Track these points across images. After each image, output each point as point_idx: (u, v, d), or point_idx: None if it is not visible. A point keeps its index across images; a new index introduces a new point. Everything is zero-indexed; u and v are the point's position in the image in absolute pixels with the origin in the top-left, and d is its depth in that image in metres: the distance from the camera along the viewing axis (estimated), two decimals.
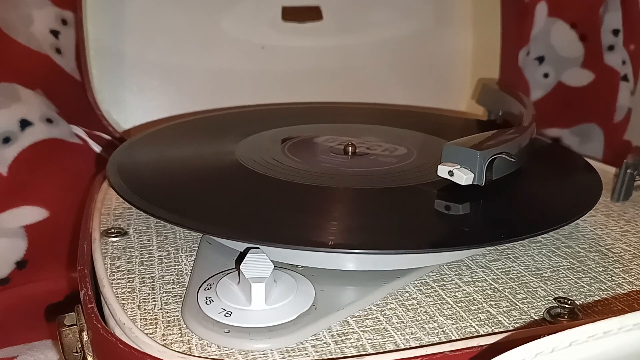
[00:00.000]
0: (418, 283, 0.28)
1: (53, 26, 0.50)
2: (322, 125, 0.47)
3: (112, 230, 0.33)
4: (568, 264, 0.30)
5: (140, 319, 0.25)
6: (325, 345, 0.24)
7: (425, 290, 0.28)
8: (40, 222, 0.46)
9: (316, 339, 0.24)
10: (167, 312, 0.26)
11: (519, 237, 0.29)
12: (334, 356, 0.23)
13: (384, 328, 0.25)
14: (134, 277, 0.29)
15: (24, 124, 0.45)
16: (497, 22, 0.57)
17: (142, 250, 0.31)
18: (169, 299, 0.27)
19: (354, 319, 0.25)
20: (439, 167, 0.32)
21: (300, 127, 0.46)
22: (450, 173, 0.31)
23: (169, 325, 0.25)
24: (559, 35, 0.63)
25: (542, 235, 0.33)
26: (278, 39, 0.55)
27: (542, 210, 0.32)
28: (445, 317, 0.26)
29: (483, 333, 0.24)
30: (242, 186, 0.34)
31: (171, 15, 0.52)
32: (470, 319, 0.25)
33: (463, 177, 0.31)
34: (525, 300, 0.27)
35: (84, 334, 0.26)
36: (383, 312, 0.26)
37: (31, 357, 0.40)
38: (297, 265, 0.29)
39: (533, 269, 0.30)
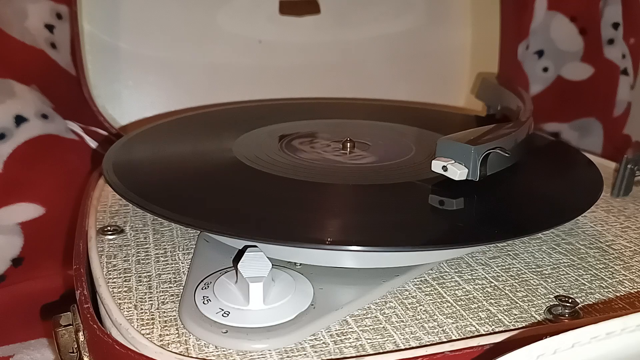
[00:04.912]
0: (417, 281, 0.28)
1: (48, 20, 0.49)
2: (320, 121, 0.47)
3: (108, 228, 0.33)
4: (568, 261, 0.30)
5: (137, 319, 0.25)
6: (324, 345, 0.23)
7: (425, 289, 0.27)
8: (36, 219, 0.45)
9: (315, 338, 0.24)
10: (164, 312, 0.25)
11: (519, 235, 0.29)
12: (333, 356, 0.23)
13: (383, 327, 0.25)
14: (130, 276, 0.28)
15: (19, 120, 0.45)
16: (496, 15, 0.57)
17: (138, 249, 0.31)
18: (166, 298, 0.27)
19: (353, 318, 0.25)
20: (433, 162, 0.32)
21: (298, 123, 0.46)
22: (444, 168, 0.31)
23: (166, 326, 0.25)
24: (559, 29, 0.63)
25: (543, 232, 0.33)
26: (275, 33, 0.55)
27: (542, 208, 0.32)
28: (445, 316, 0.25)
29: (483, 332, 0.24)
30: (239, 183, 0.33)
31: (167, 9, 0.52)
32: (471, 318, 0.25)
33: (457, 172, 0.31)
34: (525, 299, 0.27)
35: (80, 334, 0.26)
36: (382, 311, 0.26)
37: (27, 356, 0.40)
38: (295, 263, 0.28)
39: (533, 266, 0.30)
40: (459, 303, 0.26)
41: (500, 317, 0.25)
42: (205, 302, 0.25)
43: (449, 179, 0.31)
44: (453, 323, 0.25)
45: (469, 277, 0.29)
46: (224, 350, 0.23)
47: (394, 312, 0.26)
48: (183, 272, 0.29)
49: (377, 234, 0.28)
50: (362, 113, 0.50)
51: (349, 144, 0.39)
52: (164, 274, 0.29)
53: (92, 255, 0.30)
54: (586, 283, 0.28)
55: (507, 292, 0.27)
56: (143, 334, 0.24)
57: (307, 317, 0.24)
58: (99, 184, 0.39)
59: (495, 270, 0.29)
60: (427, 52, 0.59)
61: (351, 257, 0.28)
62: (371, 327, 0.25)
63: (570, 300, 0.26)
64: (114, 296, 0.27)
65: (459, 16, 0.59)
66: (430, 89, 0.59)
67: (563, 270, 0.29)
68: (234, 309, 0.24)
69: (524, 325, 0.25)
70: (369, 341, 0.24)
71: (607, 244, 0.32)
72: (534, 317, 0.25)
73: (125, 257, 0.30)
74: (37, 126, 0.46)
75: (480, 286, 0.28)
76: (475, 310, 0.26)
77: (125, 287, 0.27)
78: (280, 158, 0.37)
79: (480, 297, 0.27)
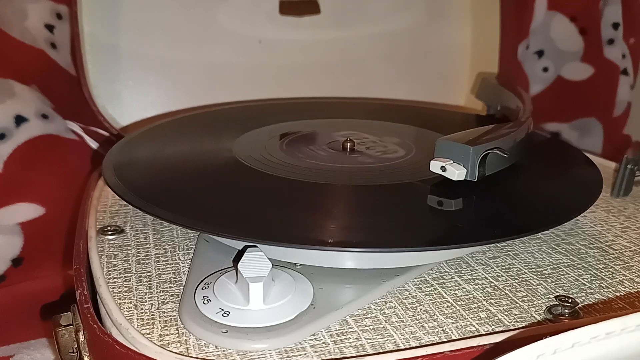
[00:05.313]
0: (417, 281, 0.28)
1: (48, 20, 0.49)
2: (320, 121, 0.47)
3: (109, 228, 0.33)
4: (568, 261, 0.30)
5: (137, 319, 0.25)
6: (324, 345, 0.23)
7: (425, 289, 0.27)
8: (36, 219, 0.45)
9: (315, 338, 0.24)
10: (164, 312, 0.25)
11: (519, 235, 0.29)
12: (333, 356, 0.23)
13: (383, 327, 0.25)
14: (130, 276, 0.28)
15: (19, 120, 0.45)
16: (496, 15, 0.57)
17: (138, 249, 0.31)
18: (166, 298, 0.27)
19: (353, 318, 0.25)
20: (432, 162, 0.32)
21: (297, 123, 0.46)
22: (443, 168, 0.31)
23: (166, 326, 0.25)
24: (559, 29, 0.63)
25: (542, 232, 0.33)
26: (275, 32, 0.55)
27: (542, 207, 0.32)
28: (445, 316, 0.25)
29: (483, 332, 0.24)
30: (239, 183, 0.33)
31: (167, 9, 0.52)
32: (471, 318, 0.25)
33: (455, 172, 0.31)
34: (525, 299, 0.27)
35: (80, 334, 0.26)
36: (382, 311, 0.26)
37: (28, 356, 0.40)
38: (295, 264, 0.28)
39: (533, 266, 0.30)
40: (459, 303, 0.26)
41: (500, 317, 0.25)
42: (206, 302, 0.25)
43: (448, 179, 0.31)
44: (453, 323, 0.25)
45: (469, 277, 0.29)
46: (224, 350, 0.23)
47: (394, 312, 0.26)
48: (183, 272, 0.29)
49: (376, 235, 0.28)
50: (362, 112, 0.50)
51: (348, 144, 0.39)
52: (164, 274, 0.29)
53: (92, 255, 0.30)
54: (586, 283, 0.28)
55: (507, 292, 0.27)
56: (143, 334, 0.24)
57: (307, 317, 0.24)
58: (99, 184, 0.39)
59: (495, 270, 0.29)
60: (427, 51, 0.59)
61: (351, 258, 0.28)
62: (371, 327, 0.25)
63: (570, 300, 0.26)
64: (114, 296, 0.27)
65: (459, 16, 0.59)
66: (430, 88, 0.59)
67: (563, 270, 0.29)
68: (234, 308, 0.24)
69: (524, 325, 0.25)
70: (369, 341, 0.24)
71: (607, 244, 0.32)
72: (534, 317, 0.25)
73: (125, 257, 0.30)
74: (37, 126, 0.46)
75: (480, 286, 0.28)
76: (475, 310, 0.26)
77: (126, 287, 0.27)
78: (280, 158, 0.37)
79: (480, 297, 0.27)
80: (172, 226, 0.34)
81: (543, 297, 0.27)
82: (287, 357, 0.23)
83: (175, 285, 0.28)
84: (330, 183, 0.33)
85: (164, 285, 0.28)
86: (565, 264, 0.30)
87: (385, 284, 0.27)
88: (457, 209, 0.31)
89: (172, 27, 0.52)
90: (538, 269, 0.29)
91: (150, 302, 0.26)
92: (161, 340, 0.24)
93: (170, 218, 0.28)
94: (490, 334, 0.24)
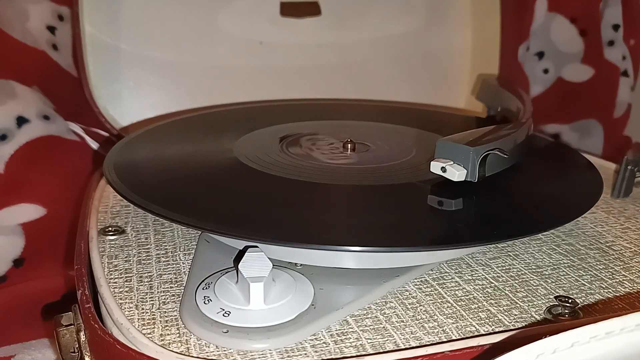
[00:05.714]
0: (418, 281, 0.28)
1: (49, 22, 0.50)
2: (320, 122, 0.47)
3: (110, 228, 0.33)
4: (569, 261, 0.30)
5: (138, 319, 0.25)
6: (324, 345, 0.23)
7: (425, 289, 0.28)
8: (38, 219, 0.45)
9: (315, 338, 0.24)
10: (165, 312, 0.26)
11: (519, 235, 0.29)
12: (333, 356, 0.23)
13: (383, 327, 0.25)
14: (131, 276, 0.28)
15: (21, 120, 0.45)
16: (496, 17, 0.57)
17: (139, 249, 0.31)
18: (167, 298, 0.27)
19: (353, 318, 0.25)
20: (432, 163, 0.32)
21: (298, 124, 0.46)
22: (443, 169, 0.31)
23: (167, 325, 0.25)
24: (559, 31, 0.63)
25: (543, 233, 0.33)
26: (276, 34, 0.55)
27: (542, 208, 0.32)
28: (445, 316, 0.25)
29: (483, 332, 0.24)
30: (240, 183, 0.33)
31: (168, 10, 0.52)
32: (471, 318, 0.25)
33: (456, 173, 0.31)
34: (525, 299, 0.27)
35: (81, 334, 0.26)
36: (382, 311, 0.26)
37: (29, 356, 0.40)
38: (296, 264, 0.28)
39: (533, 267, 0.30)
40: (459, 303, 0.26)
41: (500, 317, 0.25)
42: (206, 302, 0.25)
43: (448, 179, 0.31)
44: (453, 323, 0.25)
45: (469, 277, 0.29)
46: (224, 350, 0.23)
47: (394, 312, 0.26)
48: (184, 272, 0.29)
49: (377, 235, 0.28)
50: (363, 114, 0.50)
51: (349, 144, 0.39)
52: (165, 274, 0.29)
53: (94, 255, 0.30)
54: (586, 284, 0.28)
55: (507, 292, 0.27)
56: (144, 334, 0.24)
57: (308, 317, 0.24)
58: (100, 184, 0.39)
59: (495, 270, 0.29)
60: (428, 53, 0.59)
61: (351, 258, 0.28)
62: (371, 327, 0.25)
63: (570, 301, 0.26)
64: (115, 296, 0.27)
65: (460, 18, 0.59)
66: (431, 90, 0.60)
67: (563, 270, 0.29)
68: (235, 308, 0.24)
69: (523, 325, 0.25)
70: (369, 341, 0.24)
71: (607, 244, 0.32)
72: (534, 317, 0.25)
73: (126, 257, 0.30)
74: (38, 127, 0.46)
75: (480, 287, 0.28)
76: (475, 310, 0.26)
77: (127, 287, 0.28)
78: (281, 159, 0.37)
79: (481, 297, 0.27)
80: (173, 227, 0.34)
81: (543, 297, 0.27)
82: (288, 356, 0.23)
83: (176, 285, 0.28)
84: (331, 183, 0.33)
85: (165, 285, 0.28)
86: (566, 265, 0.30)
87: (385, 285, 0.27)
88: (457, 209, 0.31)
89: (173, 28, 0.52)
90: (538, 270, 0.29)
91: (151, 302, 0.26)
92: (162, 340, 0.24)
93: (171, 216, 0.28)
94: (490, 334, 0.24)
